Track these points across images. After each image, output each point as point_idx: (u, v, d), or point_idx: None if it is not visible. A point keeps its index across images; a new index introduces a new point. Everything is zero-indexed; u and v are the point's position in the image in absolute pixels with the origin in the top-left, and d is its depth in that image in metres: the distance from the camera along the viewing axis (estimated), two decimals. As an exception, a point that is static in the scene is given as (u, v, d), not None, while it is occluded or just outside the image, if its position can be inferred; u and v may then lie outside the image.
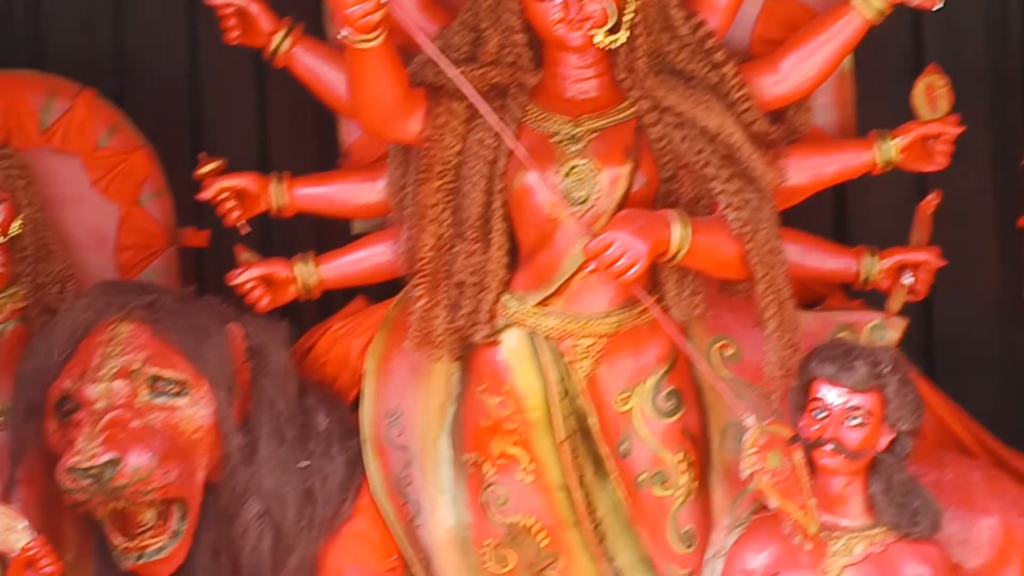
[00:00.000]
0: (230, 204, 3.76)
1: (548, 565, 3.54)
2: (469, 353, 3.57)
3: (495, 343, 3.51)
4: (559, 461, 3.49)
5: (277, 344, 3.73)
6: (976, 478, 3.54)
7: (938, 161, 3.62)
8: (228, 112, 4.41)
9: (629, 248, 3.23)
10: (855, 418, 3.33)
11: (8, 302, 3.98)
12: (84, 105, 4.11)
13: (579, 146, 3.43)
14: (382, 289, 3.88)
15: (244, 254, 3.81)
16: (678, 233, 3.30)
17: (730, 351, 3.61)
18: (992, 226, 4.14)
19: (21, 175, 3.96)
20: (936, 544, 3.39)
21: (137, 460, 3.39)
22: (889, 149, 3.62)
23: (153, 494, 3.44)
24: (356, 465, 3.68)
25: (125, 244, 4.18)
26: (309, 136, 4.35)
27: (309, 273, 3.78)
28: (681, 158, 3.45)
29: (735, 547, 3.48)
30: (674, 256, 3.32)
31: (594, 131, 3.44)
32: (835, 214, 4.14)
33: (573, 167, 3.41)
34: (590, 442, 3.51)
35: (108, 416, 3.43)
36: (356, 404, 3.77)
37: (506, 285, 3.51)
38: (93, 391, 3.48)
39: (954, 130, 3.60)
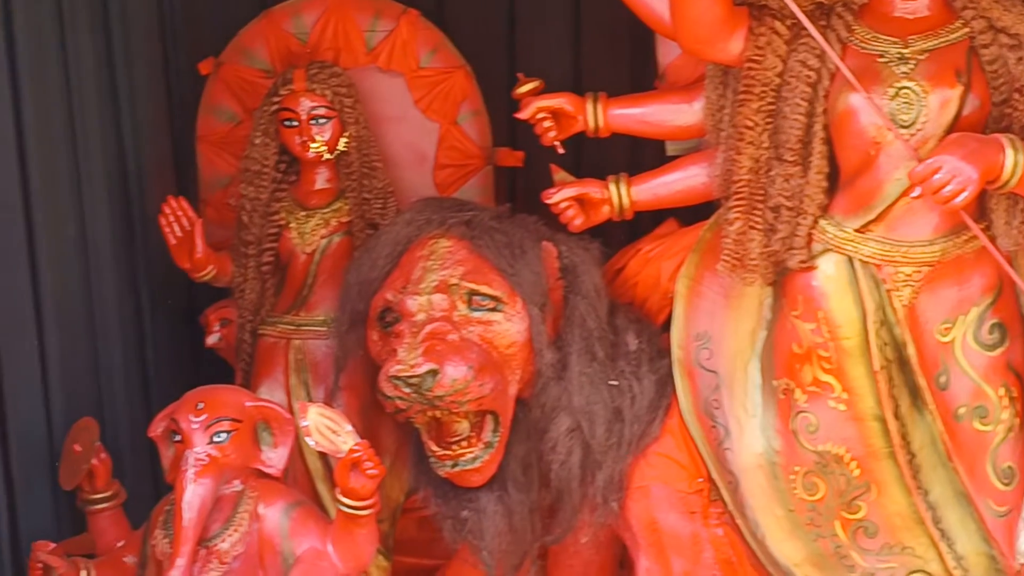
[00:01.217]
0: (547, 124, 3.78)
1: (859, 495, 3.47)
2: (783, 278, 3.50)
3: (811, 268, 3.44)
4: (874, 391, 3.40)
5: (589, 264, 3.75)
6: None
7: None
8: (544, 32, 4.45)
9: (958, 173, 3.10)
10: None
11: (334, 216, 4.14)
12: (408, 25, 4.23)
13: (907, 67, 3.30)
14: (693, 212, 3.87)
15: (559, 174, 3.84)
16: (1011, 159, 3.15)
17: (1059, 284, 3.45)
18: None
19: (349, 94, 4.09)
20: None
21: (455, 371, 3.47)
22: None
23: (468, 405, 3.52)
24: (665, 386, 3.68)
25: (444, 162, 4.30)
26: (624, 57, 4.36)
27: (623, 194, 3.78)
28: (1016, 81, 3.28)
29: (1058, 487, 3.36)
30: (1005, 183, 3.17)
31: (923, 52, 3.31)
32: None
33: (901, 89, 3.29)
34: (907, 372, 3.41)
35: (428, 328, 3.51)
36: (665, 326, 3.77)
37: (824, 209, 3.42)
38: (414, 303, 3.57)
39: None
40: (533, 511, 3.70)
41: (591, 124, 3.79)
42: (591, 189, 3.79)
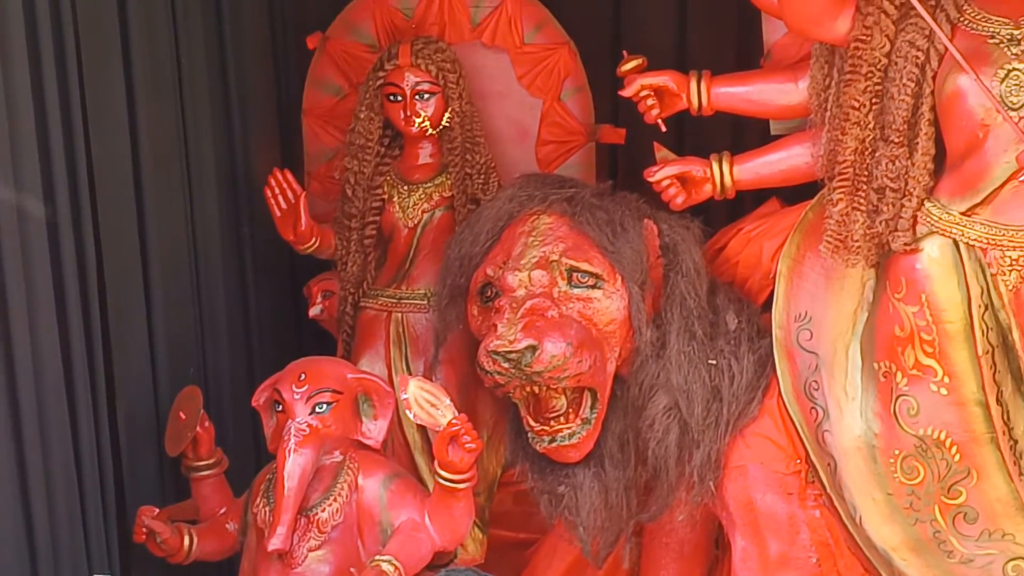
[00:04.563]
0: (650, 101, 3.77)
1: (959, 481, 3.43)
2: (886, 260, 3.46)
3: (915, 251, 3.40)
4: (977, 376, 3.36)
5: (690, 242, 3.73)
6: None
7: None
8: (648, 9, 4.44)
9: (1070, 157, 3.05)
10: None
11: (436, 191, 4.17)
12: (513, 2, 4.24)
13: (1019, 49, 3.23)
14: (795, 192, 3.84)
15: (661, 151, 3.83)
16: None
17: None
18: None
19: (453, 69, 4.12)
20: None
21: (554, 348, 3.47)
22: None
23: (567, 381, 3.53)
24: (765, 366, 3.66)
25: (546, 138, 4.31)
26: (730, 35, 4.33)
27: (725, 173, 3.77)
28: None
29: None
30: None
31: (1036, 33, 3.25)
32: None
33: (1011, 71, 3.23)
34: (1011, 358, 3.35)
35: (528, 304, 3.52)
36: (766, 306, 3.75)
37: (929, 192, 3.38)
38: (514, 279, 3.58)
39: None
40: (629, 488, 3.71)
41: (695, 102, 3.77)
42: (693, 167, 3.78)
